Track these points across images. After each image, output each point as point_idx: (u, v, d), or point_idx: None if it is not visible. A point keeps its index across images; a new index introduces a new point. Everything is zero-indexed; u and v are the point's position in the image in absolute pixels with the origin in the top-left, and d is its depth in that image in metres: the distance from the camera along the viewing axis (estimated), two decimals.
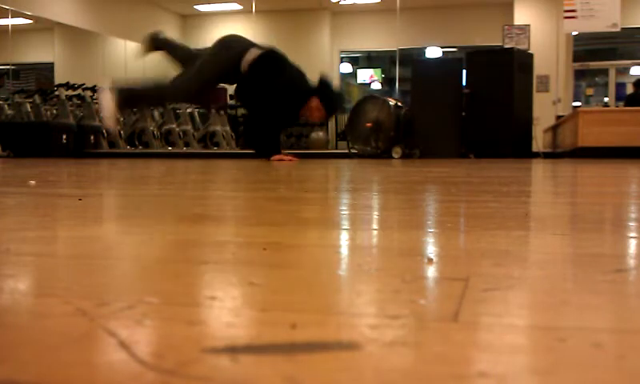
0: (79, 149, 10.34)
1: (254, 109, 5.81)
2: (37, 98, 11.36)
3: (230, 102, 13.32)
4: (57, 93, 11.24)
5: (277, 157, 5.66)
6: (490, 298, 0.50)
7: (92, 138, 10.91)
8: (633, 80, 10.28)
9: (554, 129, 9.88)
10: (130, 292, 0.53)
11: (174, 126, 11.69)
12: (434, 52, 13.11)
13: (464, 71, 8.62)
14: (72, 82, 11.25)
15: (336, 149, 12.12)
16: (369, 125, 8.30)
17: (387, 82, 13.91)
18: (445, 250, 0.75)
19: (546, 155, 8.73)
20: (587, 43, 12.84)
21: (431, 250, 0.75)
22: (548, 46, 11.38)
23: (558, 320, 0.44)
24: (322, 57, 13.34)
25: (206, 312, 0.46)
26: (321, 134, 13.01)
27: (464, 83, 8.54)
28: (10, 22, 11.58)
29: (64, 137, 10.14)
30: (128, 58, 13.04)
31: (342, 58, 14.06)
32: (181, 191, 1.84)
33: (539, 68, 10.27)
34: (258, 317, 0.45)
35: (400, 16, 12.90)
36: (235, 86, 5.71)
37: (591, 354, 0.36)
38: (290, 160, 5.61)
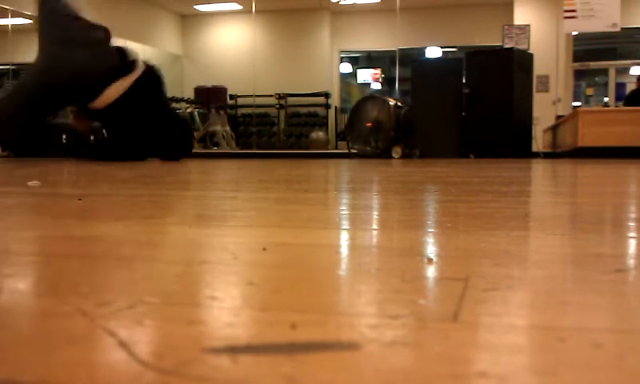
0: (79, 149, 10.33)
1: None
2: None
3: (230, 101, 13.33)
4: None
5: None
6: (489, 298, 0.50)
7: (92, 138, 10.89)
8: (633, 80, 10.26)
9: (553, 129, 9.87)
10: (130, 292, 0.53)
11: None
12: (433, 52, 13.09)
13: (464, 71, 8.62)
14: None
15: (336, 149, 12.10)
16: (369, 125, 8.29)
17: (387, 81, 13.90)
18: (445, 250, 0.75)
19: (546, 155, 8.73)
20: (587, 43, 12.83)
21: (431, 249, 0.75)
22: (548, 46, 11.36)
23: (557, 320, 0.44)
24: (322, 57, 13.33)
25: (206, 312, 0.46)
26: (321, 134, 13.00)
27: (464, 83, 8.53)
28: (9, 21, 11.56)
29: (64, 137, 10.13)
30: None
31: (342, 57, 14.05)
32: (180, 191, 1.84)
33: (539, 68, 10.25)
34: (258, 317, 0.45)
35: (400, 16, 12.89)
36: None
37: (591, 353, 0.36)
38: None
